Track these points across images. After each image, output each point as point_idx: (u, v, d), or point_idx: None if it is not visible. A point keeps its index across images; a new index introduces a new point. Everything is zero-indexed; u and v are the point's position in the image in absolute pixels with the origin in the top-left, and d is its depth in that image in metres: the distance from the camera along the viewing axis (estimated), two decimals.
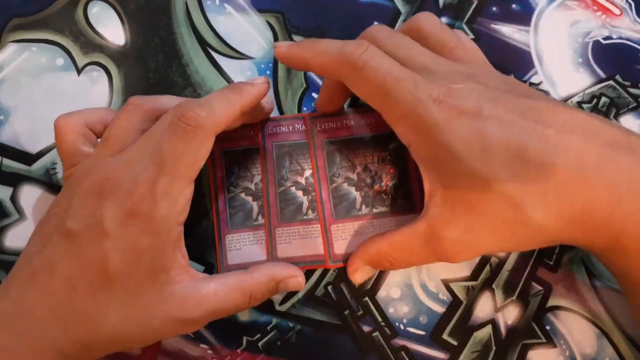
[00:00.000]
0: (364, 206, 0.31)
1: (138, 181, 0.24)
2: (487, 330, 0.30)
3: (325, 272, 0.31)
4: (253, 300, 0.26)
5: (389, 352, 0.30)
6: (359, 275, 0.29)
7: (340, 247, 0.30)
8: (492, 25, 0.35)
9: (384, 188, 0.31)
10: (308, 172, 0.32)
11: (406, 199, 0.31)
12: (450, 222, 0.24)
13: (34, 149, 0.32)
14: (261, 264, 0.29)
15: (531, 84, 0.34)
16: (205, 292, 0.25)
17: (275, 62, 0.34)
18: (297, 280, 0.28)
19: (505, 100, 0.24)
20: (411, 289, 0.31)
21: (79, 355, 0.24)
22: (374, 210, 0.31)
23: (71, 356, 0.24)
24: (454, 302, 0.31)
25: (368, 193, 0.31)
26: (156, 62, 0.34)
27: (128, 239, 0.23)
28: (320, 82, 0.34)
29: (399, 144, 0.32)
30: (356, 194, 0.31)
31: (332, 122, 0.32)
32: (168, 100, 0.28)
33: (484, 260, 0.31)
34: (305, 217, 0.31)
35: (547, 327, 0.30)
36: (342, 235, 0.30)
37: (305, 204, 0.31)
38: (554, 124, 0.23)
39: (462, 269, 0.31)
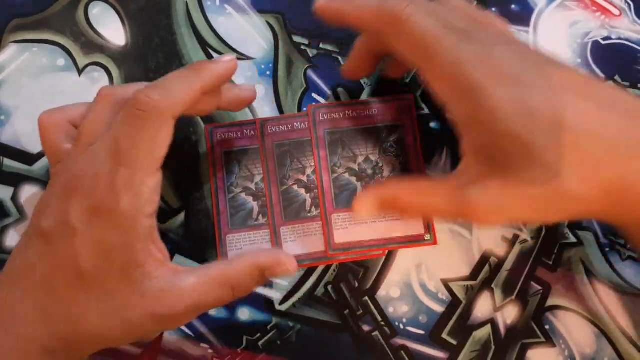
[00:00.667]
0: None
1: (99, 176, 0.23)
2: (487, 329, 0.30)
3: (325, 271, 0.31)
4: (237, 292, 0.25)
5: (389, 352, 0.30)
6: (365, 208, 0.27)
7: (340, 236, 0.31)
8: None
9: (385, 179, 0.31)
10: (309, 170, 0.32)
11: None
12: (483, 184, 0.24)
13: (34, 149, 0.32)
14: (245, 252, 0.28)
15: None
16: (183, 286, 0.24)
17: (275, 63, 0.34)
18: (285, 267, 0.26)
19: (546, 69, 0.23)
20: (411, 289, 0.31)
21: (66, 351, 0.24)
22: None
23: (57, 352, 0.24)
24: (454, 302, 0.31)
25: (369, 183, 0.31)
26: (157, 63, 0.34)
27: (96, 236, 0.23)
28: (320, 82, 0.34)
29: (401, 135, 0.32)
30: (357, 185, 0.31)
31: (334, 113, 0.32)
32: (137, 88, 0.26)
33: (483, 260, 0.31)
34: (309, 214, 0.31)
35: (547, 327, 0.30)
36: (342, 225, 0.31)
37: (309, 202, 0.31)
38: (595, 98, 0.23)
39: (462, 269, 0.31)
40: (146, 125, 0.23)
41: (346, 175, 0.31)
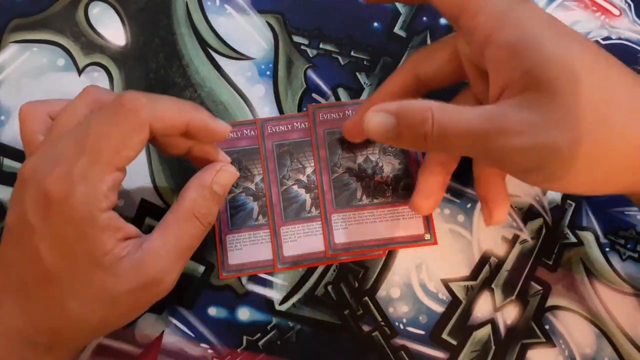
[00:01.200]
0: (364, 196, 0.31)
1: (57, 161, 0.22)
2: (487, 329, 0.30)
3: (325, 272, 0.31)
4: (203, 219, 0.25)
5: (389, 352, 0.30)
6: (375, 120, 0.22)
7: (340, 236, 0.31)
8: None
9: (385, 179, 0.32)
10: (309, 170, 0.32)
11: (407, 190, 0.31)
12: (520, 104, 0.21)
13: None
14: (188, 186, 0.26)
15: None
16: (153, 246, 0.23)
17: (275, 63, 0.34)
18: (225, 173, 0.26)
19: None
20: (411, 289, 0.31)
21: (53, 342, 0.24)
22: (375, 201, 0.31)
23: (43, 345, 0.24)
24: (454, 302, 0.31)
25: (369, 183, 0.31)
26: (157, 63, 0.34)
27: (53, 232, 0.22)
28: (320, 82, 0.34)
29: None
30: (357, 185, 0.31)
31: (334, 113, 0.32)
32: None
33: (483, 260, 0.31)
34: (309, 214, 0.31)
35: (547, 327, 0.30)
36: (342, 225, 0.31)
37: (309, 202, 0.31)
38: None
39: (462, 269, 0.31)
40: (122, 122, 0.23)
41: (346, 175, 0.31)
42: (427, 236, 0.31)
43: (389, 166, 0.32)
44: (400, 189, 0.31)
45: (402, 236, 0.31)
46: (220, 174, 0.26)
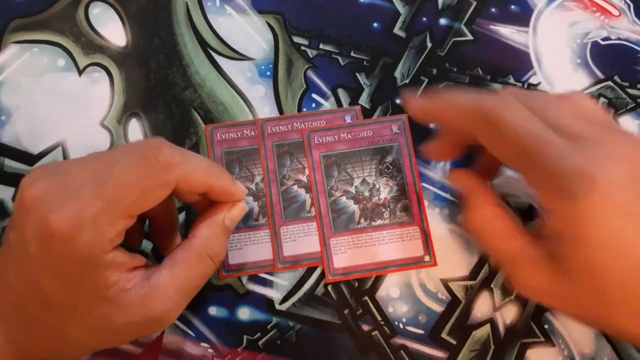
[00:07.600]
0: (362, 219, 0.31)
1: (67, 200, 0.21)
2: (486, 329, 0.30)
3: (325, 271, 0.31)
4: (215, 258, 0.25)
5: (389, 351, 0.30)
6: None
7: (339, 260, 0.30)
8: (491, 27, 0.35)
9: (383, 201, 0.31)
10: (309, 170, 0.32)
11: (405, 211, 0.31)
12: (541, 272, 0.23)
13: (35, 149, 0.32)
14: (197, 221, 0.26)
15: (530, 85, 0.34)
16: (162, 283, 0.23)
17: (275, 63, 0.34)
18: (237, 208, 0.26)
19: None
20: (410, 289, 0.31)
21: (54, 358, 0.24)
22: (373, 223, 0.31)
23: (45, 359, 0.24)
24: (453, 302, 0.31)
25: (367, 206, 0.31)
26: (157, 63, 0.34)
27: (52, 265, 0.21)
28: (319, 82, 0.34)
29: (396, 156, 0.32)
30: (355, 207, 0.31)
31: (329, 136, 0.32)
32: (162, 141, 0.24)
33: (483, 260, 0.31)
34: (308, 214, 0.31)
35: (546, 326, 0.30)
36: (341, 249, 0.30)
37: (308, 202, 0.31)
38: None
39: (461, 269, 0.31)
40: (151, 175, 0.22)
41: (343, 198, 0.31)
42: (427, 258, 0.31)
43: (386, 188, 0.32)
44: (398, 210, 0.31)
45: (401, 258, 0.31)
46: (233, 210, 0.26)
